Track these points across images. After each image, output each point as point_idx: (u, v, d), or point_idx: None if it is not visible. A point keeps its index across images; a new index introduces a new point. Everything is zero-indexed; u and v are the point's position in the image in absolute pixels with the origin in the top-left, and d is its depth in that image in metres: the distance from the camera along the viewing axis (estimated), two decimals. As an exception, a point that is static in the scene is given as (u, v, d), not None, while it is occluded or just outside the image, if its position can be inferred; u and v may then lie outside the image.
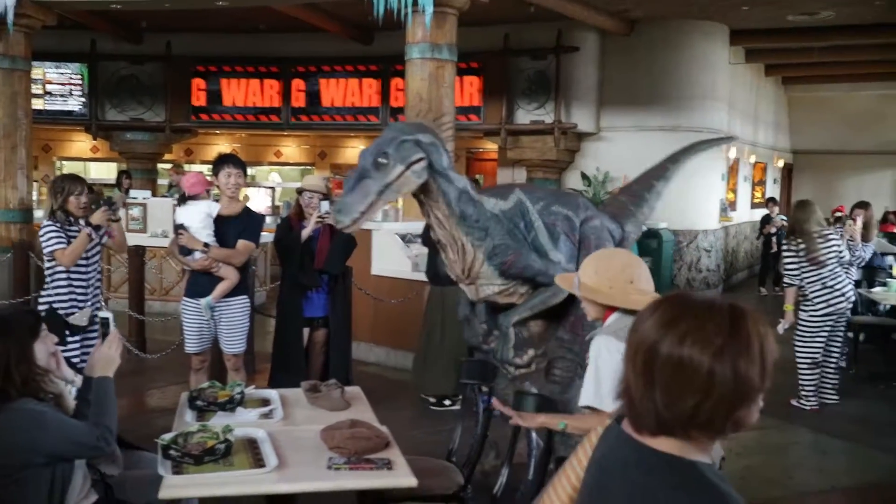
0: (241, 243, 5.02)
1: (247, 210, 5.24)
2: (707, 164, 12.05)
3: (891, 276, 7.79)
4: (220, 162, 5.10)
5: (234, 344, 5.07)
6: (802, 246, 6.22)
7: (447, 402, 6.27)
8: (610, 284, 2.60)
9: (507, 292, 3.97)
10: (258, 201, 13.56)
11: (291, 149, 16.19)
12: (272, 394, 3.66)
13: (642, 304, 2.40)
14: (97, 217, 4.74)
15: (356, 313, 7.11)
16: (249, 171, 16.52)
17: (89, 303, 4.83)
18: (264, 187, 14.75)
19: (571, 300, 3.78)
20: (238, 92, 12.85)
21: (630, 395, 1.41)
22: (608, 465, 1.50)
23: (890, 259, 8.52)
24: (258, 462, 2.77)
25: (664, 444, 1.40)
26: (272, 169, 16.46)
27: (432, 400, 6.32)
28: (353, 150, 16.11)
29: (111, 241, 5.04)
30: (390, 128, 3.81)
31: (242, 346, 5.15)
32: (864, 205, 7.40)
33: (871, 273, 8.13)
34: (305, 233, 5.41)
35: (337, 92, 12.56)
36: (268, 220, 13.07)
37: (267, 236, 7.98)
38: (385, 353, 7.48)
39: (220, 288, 4.95)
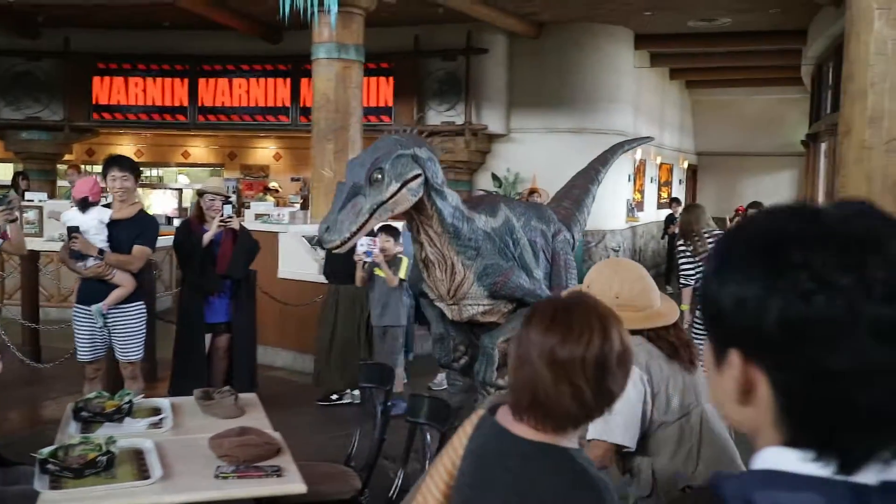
0: (137, 249, 4.85)
1: (141, 213, 5.05)
2: (614, 165, 12.33)
3: None
4: (107, 165, 4.92)
5: (129, 352, 4.91)
6: (691, 247, 6.45)
7: (334, 397, 6.32)
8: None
9: (491, 312, 3.76)
10: (165, 204, 13.20)
11: (199, 149, 15.83)
12: (163, 403, 3.56)
13: (644, 321, 2.32)
14: None
15: (262, 317, 6.99)
16: (155, 172, 16.16)
17: None
18: (171, 189, 14.37)
19: None
20: (142, 90, 12.49)
21: (536, 392, 1.45)
22: (485, 454, 1.55)
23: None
24: (143, 474, 2.68)
25: (538, 435, 1.47)
26: (180, 170, 16.05)
27: (322, 397, 6.37)
28: (263, 151, 15.88)
29: (7, 244, 4.77)
30: (385, 140, 3.48)
31: (139, 354, 4.99)
32: (755, 205, 7.69)
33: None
34: (207, 237, 5.29)
35: (245, 91, 12.34)
36: (176, 223, 12.76)
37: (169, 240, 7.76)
38: (292, 357, 7.37)
39: (114, 295, 4.78)
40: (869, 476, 0.74)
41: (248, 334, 5.75)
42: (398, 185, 3.30)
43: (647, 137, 7.58)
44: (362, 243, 5.35)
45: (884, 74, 4.47)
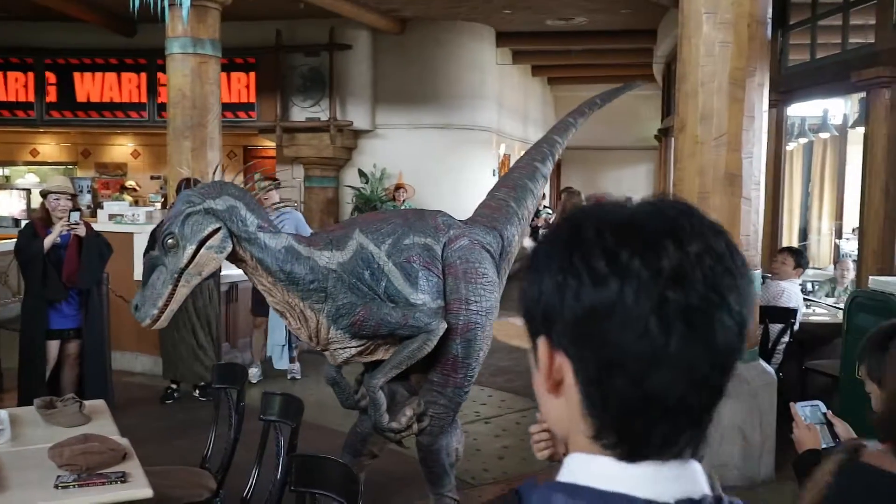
0: None
1: None
2: (478, 160, 12.61)
3: None
4: None
5: None
6: None
7: (173, 389, 6.47)
8: None
9: (367, 351, 3.41)
10: (11, 205, 12.46)
11: (50, 147, 15.00)
12: (1, 414, 3.39)
13: None
14: None
15: (117, 321, 6.75)
16: (2, 171, 15.18)
17: None
18: (18, 189, 13.58)
19: (443, 341, 3.35)
20: (-18, 85, 11.72)
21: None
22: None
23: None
24: (-25, 488, 2.57)
25: None
26: (29, 169, 15.17)
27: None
28: (120, 148, 15.23)
29: None
30: (179, 199, 3.24)
31: None
32: (568, 189, 7.70)
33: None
34: (48, 240, 5.04)
35: (97, 86, 11.80)
36: (23, 224, 12.07)
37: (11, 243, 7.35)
38: (153, 361, 7.14)
39: None
40: (672, 486, 0.77)
41: (98, 341, 5.55)
42: (194, 246, 3.09)
43: (629, 85, 5.67)
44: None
45: (712, 74, 4.79)
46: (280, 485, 2.94)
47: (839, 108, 9.27)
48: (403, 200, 10.74)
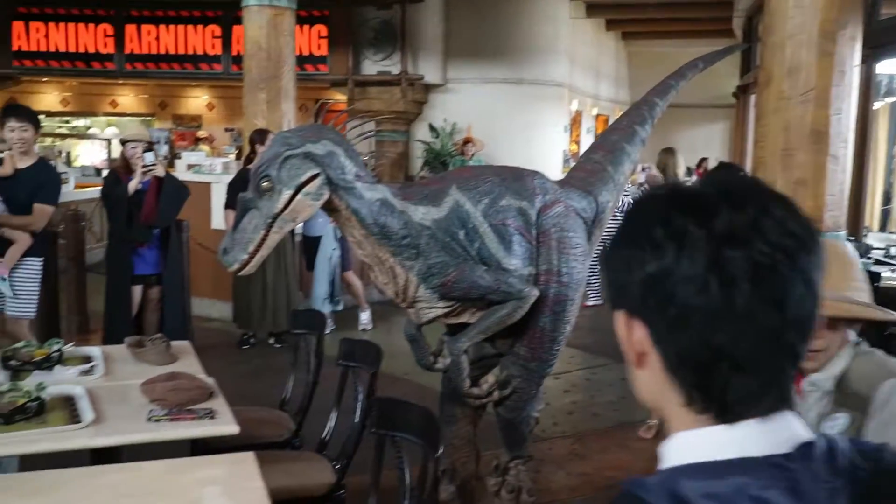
0: (37, 208, 4.64)
1: (40, 164, 4.78)
2: (549, 115, 12.46)
3: None
4: (3, 115, 4.67)
5: (17, 308, 4.71)
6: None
7: (249, 335, 6.69)
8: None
9: (454, 313, 3.25)
10: (93, 155, 12.85)
11: (129, 98, 15.39)
12: (94, 351, 3.55)
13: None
14: None
15: (196, 269, 6.96)
16: (82, 122, 15.66)
17: None
18: (99, 139, 13.99)
19: (530, 313, 3.23)
20: (66, 36, 12.03)
21: None
22: None
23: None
24: (74, 419, 2.70)
25: None
26: (108, 120, 15.61)
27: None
28: (195, 101, 15.52)
29: None
30: (274, 140, 3.04)
31: (27, 312, 4.75)
32: (666, 150, 7.33)
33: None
34: (132, 185, 5.21)
35: (175, 38, 12.00)
36: (104, 173, 12.46)
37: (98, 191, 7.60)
38: (229, 308, 7.34)
39: (11, 254, 4.62)
40: (780, 438, 0.78)
41: (178, 286, 5.74)
42: (291, 192, 2.91)
43: (732, 48, 5.44)
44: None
45: (801, 26, 4.61)
46: (359, 427, 3.02)
47: (932, 65, 8.83)
48: (472, 155, 10.70)
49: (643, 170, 12.02)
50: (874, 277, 5.60)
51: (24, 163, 4.70)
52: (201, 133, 14.76)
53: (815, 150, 4.62)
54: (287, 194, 2.89)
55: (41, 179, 4.69)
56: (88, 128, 15.50)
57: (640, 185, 10.51)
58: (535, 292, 3.16)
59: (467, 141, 11.05)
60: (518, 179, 3.34)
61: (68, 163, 13.17)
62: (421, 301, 3.15)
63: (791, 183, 4.67)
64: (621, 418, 5.28)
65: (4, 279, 4.63)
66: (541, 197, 3.32)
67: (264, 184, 2.89)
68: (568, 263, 3.26)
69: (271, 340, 6.69)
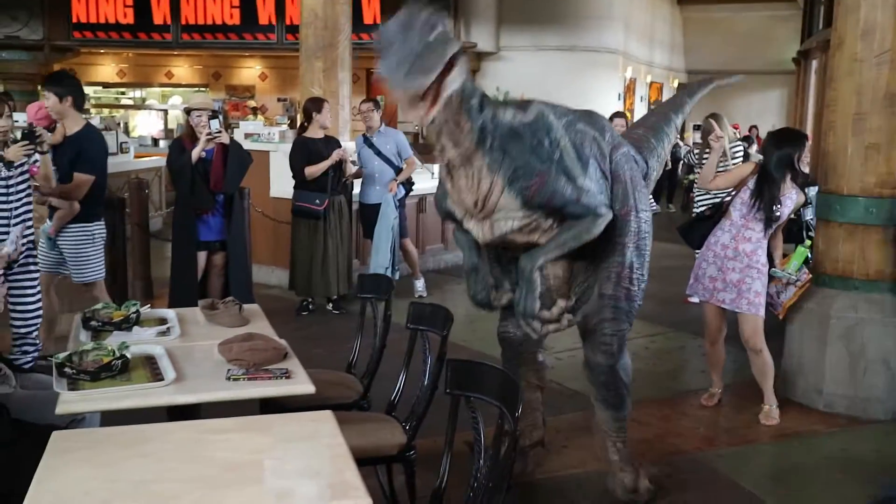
0: (77, 177, 4.72)
1: (83, 132, 4.83)
2: (603, 83, 12.29)
3: None
4: (42, 84, 4.82)
5: (82, 273, 4.92)
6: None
7: (307, 301, 6.80)
8: None
9: (528, 228, 3.14)
10: (150, 125, 13.07)
11: (183, 69, 15.58)
12: (169, 313, 3.64)
13: None
14: (13, 152, 3.84)
15: (256, 236, 7.07)
16: (138, 93, 15.91)
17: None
18: (155, 110, 14.21)
19: (606, 246, 3.24)
20: (123, 8, 12.20)
21: None
22: None
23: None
24: (156, 376, 2.78)
25: None
26: (163, 92, 15.83)
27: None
28: (248, 71, 15.65)
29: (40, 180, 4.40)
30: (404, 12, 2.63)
31: (94, 275, 4.95)
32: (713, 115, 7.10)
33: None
34: (195, 153, 5.29)
35: (229, 9, 12.09)
36: (162, 144, 12.67)
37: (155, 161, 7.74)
38: (286, 275, 7.45)
39: (56, 221, 4.79)
40: None
41: (241, 252, 5.83)
42: (458, 46, 2.67)
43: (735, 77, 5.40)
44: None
45: (878, -14, 4.46)
46: (429, 389, 3.05)
47: None
48: (526, 124, 10.63)
49: (695, 129, 11.81)
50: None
51: (71, 129, 4.81)
52: (252, 103, 14.90)
53: (890, 113, 4.49)
54: (455, 46, 2.65)
55: (79, 148, 4.77)
56: (144, 99, 15.74)
57: (691, 147, 10.30)
58: (611, 213, 3.21)
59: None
60: (589, 114, 3.44)
61: (126, 132, 13.42)
62: (501, 210, 3.07)
63: (863, 147, 4.55)
64: (681, 387, 5.26)
65: (51, 238, 4.82)
66: (610, 135, 3.39)
67: (440, 27, 2.59)
68: (642, 200, 3.38)
69: (329, 306, 6.77)
